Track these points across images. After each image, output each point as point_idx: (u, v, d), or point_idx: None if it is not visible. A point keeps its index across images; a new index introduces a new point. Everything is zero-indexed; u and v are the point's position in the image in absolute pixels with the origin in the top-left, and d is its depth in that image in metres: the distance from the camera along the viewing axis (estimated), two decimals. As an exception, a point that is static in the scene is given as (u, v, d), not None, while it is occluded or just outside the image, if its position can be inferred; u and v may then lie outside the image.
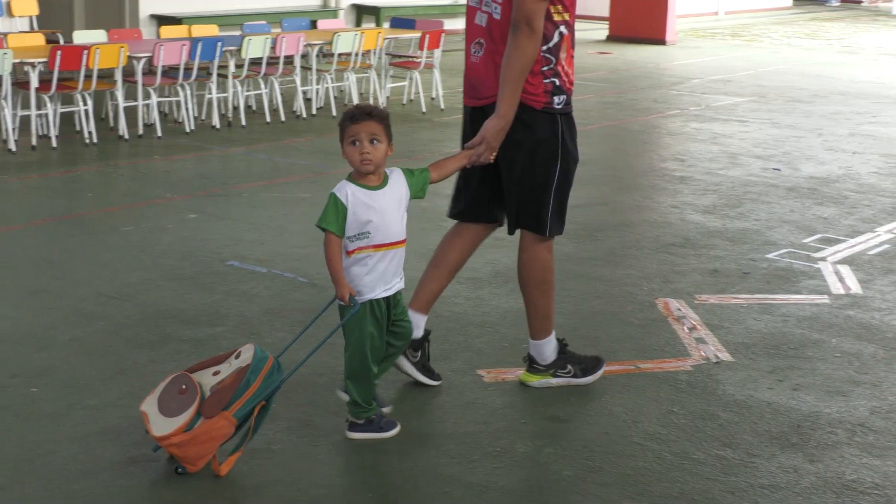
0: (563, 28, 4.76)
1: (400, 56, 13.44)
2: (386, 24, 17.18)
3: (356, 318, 4.37)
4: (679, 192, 8.92)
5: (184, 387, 4.14)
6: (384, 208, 4.36)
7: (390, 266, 4.41)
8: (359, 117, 4.33)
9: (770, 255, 7.17)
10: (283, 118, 11.62)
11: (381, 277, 4.39)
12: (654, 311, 6.06)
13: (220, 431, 4.09)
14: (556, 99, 4.82)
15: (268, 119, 11.55)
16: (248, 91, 11.80)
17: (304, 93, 12.13)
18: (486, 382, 5.06)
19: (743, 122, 12.25)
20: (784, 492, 4.17)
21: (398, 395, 4.89)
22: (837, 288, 6.56)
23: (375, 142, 4.32)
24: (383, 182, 4.40)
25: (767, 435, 4.63)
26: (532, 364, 5.11)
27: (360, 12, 19.77)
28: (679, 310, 6.07)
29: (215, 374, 4.21)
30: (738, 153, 10.51)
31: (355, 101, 12.22)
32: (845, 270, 6.90)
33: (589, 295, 6.34)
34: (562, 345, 5.14)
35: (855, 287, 6.59)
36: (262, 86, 11.78)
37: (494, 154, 4.73)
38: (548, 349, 5.07)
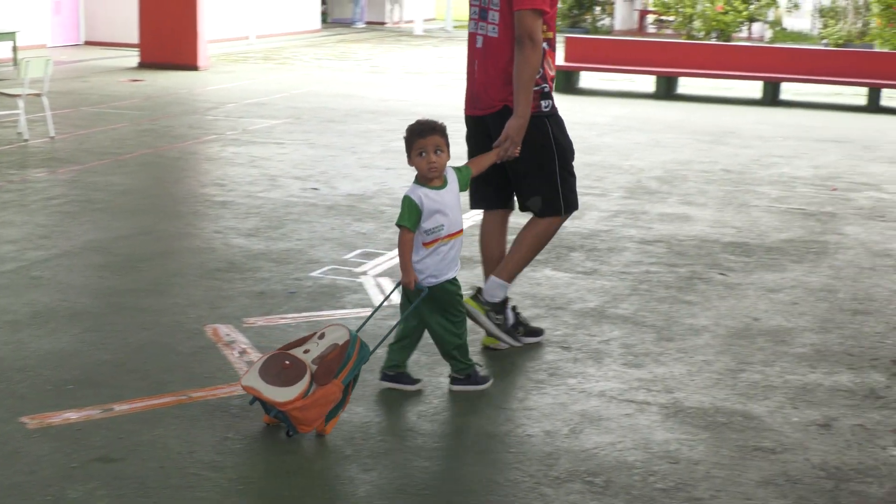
0: (545, 44, 5.65)
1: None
2: None
3: (431, 301, 5.25)
4: (221, 216, 8.90)
5: (287, 362, 4.82)
6: (449, 204, 5.20)
7: (458, 252, 5.31)
8: (425, 132, 5.17)
9: (314, 274, 7.31)
10: None
11: (452, 262, 5.26)
12: (203, 338, 6.00)
13: (332, 396, 4.78)
14: (543, 103, 5.74)
15: None
16: None
17: None
18: (31, 430, 4.80)
19: (280, 145, 12.43)
20: (341, 502, 4.24)
21: (-67, 454, 4.55)
22: (380, 300, 6.78)
23: (439, 152, 5.16)
24: (444, 183, 5.22)
25: (323, 449, 4.70)
26: (478, 295, 5.95)
27: None
28: (228, 335, 6.05)
29: (306, 351, 4.93)
30: (278, 175, 10.65)
31: None
32: (386, 283, 7.15)
33: (136, 327, 6.18)
34: (514, 308, 6.05)
35: (396, 298, 6.82)
36: None
37: (518, 149, 5.60)
38: (500, 292, 5.94)
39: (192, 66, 20.22)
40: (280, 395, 4.71)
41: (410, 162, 5.22)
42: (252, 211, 9.09)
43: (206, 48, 20.77)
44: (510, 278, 5.96)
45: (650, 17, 33.12)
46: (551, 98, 5.79)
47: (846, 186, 10.83)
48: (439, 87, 18.85)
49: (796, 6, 31.86)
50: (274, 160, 11.45)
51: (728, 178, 11.13)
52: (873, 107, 17.39)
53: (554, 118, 5.83)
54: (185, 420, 4.96)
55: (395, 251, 7.88)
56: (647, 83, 18.78)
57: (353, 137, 13.08)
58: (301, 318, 6.40)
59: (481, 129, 5.87)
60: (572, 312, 6.67)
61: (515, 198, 6.05)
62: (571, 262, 7.77)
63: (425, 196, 5.14)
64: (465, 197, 5.49)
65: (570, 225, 8.83)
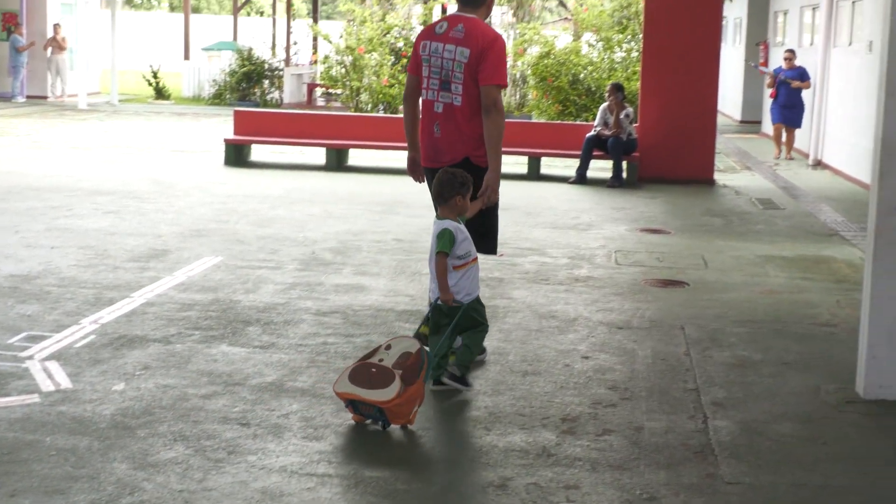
0: None
1: None
2: None
3: (471, 310, 6.55)
4: None
5: (374, 370, 5.85)
6: (468, 234, 6.55)
7: (478, 272, 6.71)
8: (466, 183, 6.53)
9: (-25, 360, 6.91)
10: None
11: (477, 280, 6.67)
12: None
13: (418, 393, 5.87)
14: None
15: None
16: None
17: None
18: None
19: (-66, 225, 11.75)
20: None
21: None
22: (48, 385, 6.49)
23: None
24: (464, 217, 6.59)
25: (-13, 549, 4.43)
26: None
27: None
28: None
29: (380, 360, 5.95)
30: (-68, 257, 10.05)
31: None
32: (54, 366, 6.84)
33: None
34: None
35: (65, 382, 6.56)
36: None
37: (497, 196, 6.95)
38: None
39: None
40: (379, 395, 5.75)
41: (453, 202, 6.47)
42: None
43: None
44: None
45: (318, 91, 33.49)
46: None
47: (512, 252, 11.23)
48: (107, 161, 18.35)
49: (459, 79, 33.05)
50: (-72, 242, 10.80)
51: (400, 248, 11.33)
52: (534, 175, 18.15)
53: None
54: None
55: (64, 332, 7.61)
56: (318, 155, 18.95)
57: (14, 216, 12.53)
58: (-39, 408, 6.03)
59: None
60: (250, 388, 6.59)
61: None
62: (248, 337, 7.69)
63: (458, 228, 6.44)
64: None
65: (245, 299, 8.76)
